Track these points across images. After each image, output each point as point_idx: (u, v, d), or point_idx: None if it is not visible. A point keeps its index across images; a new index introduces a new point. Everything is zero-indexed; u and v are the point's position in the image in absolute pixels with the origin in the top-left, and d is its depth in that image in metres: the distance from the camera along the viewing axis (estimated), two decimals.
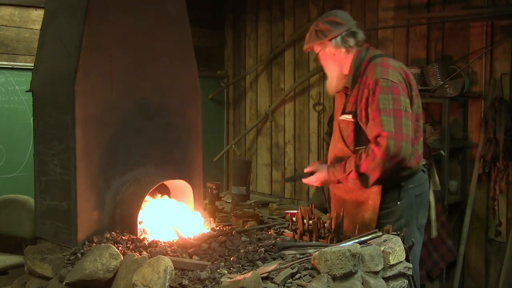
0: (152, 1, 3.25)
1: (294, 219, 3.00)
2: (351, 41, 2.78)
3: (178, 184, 3.25)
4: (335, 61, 2.82)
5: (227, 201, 4.20)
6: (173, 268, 2.36)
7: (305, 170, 2.98)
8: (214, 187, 3.74)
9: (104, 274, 2.54)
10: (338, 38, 2.77)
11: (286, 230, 3.03)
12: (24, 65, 4.77)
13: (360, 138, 2.74)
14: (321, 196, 4.87)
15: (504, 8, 4.00)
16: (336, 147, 2.91)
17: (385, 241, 2.59)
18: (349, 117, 2.77)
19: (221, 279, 2.29)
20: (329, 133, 3.28)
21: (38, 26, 4.60)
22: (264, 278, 2.23)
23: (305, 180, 2.96)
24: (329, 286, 2.26)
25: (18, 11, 4.80)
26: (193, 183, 3.31)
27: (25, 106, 4.78)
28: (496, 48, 4.12)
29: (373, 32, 4.82)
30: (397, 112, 2.61)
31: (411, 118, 2.67)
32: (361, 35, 2.81)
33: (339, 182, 2.82)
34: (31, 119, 3.28)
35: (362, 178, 2.67)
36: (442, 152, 3.27)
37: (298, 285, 2.24)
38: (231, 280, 2.23)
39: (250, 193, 4.55)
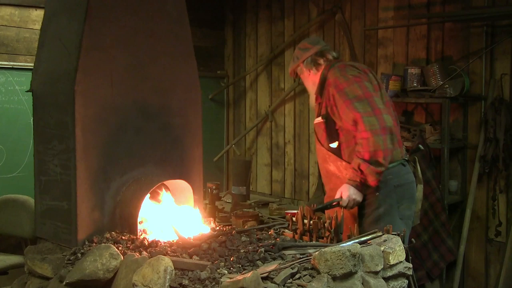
0: (152, 1, 3.25)
1: (294, 219, 3.01)
2: (321, 60, 3.11)
3: (178, 184, 3.25)
4: (310, 79, 3.15)
5: (227, 201, 4.20)
6: (173, 268, 2.36)
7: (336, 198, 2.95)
8: (214, 187, 3.74)
9: (104, 274, 2.54)
10: (309, 59, 3.12)
11: (286, 230, 3.03)
12: (24, 65, 4.77)
13: (331, 135, 3.02)
14: (321, 196, 4.87)
15: (504, 8, 4.00)
16: (317, 149, 3.18)
17: (385, 241, 2.60)
18: (319, 119, 3.07)
19: (221, 279, 2.29)
20: None
21: (38, 26, 4.60)
22: (264, 278, 2.23)
23: (342, 204, 2.90)
24: (329, 286, 2.26)
25: (18, 11, 4.80)
26: (193, 183, 3.31)
27: (25, 106, 4.78)
28: (496, 48, 4.12)
29: (373, 32, 4.82)
30: (366, 94, 2.85)
31: (381, 98, 2.92)
32: (332, 54, 3.14)
33: (365, 185, 2.84)
34: (31, 119, 3.28)
35: (374, 164, 2.77)
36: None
37: (298, 285, 2.24)
38: (231, 280, 2.23)
39: (250, 193, 4.55)
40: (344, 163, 2.97)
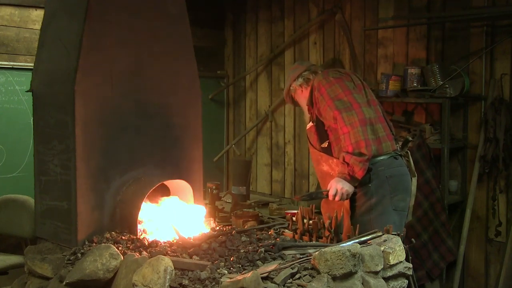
0: (152, 1, 3.25)
1: (294, 218, 3.01)
2: (310, 76, 3.25)
3: (178, 184, 3.25)
4: (303, 96, 3.27)
5: (227, 201, 4.20)
6: (173, 268, 2.36)
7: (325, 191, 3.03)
8: (214, 187, 3.74)
9: (104, 274, 2.54)
10: (299, 77, 3.27)
11: (286, 230, 3.03)
12: (24, 65, 4.77)
13: (321, 136, 3.14)
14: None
15: (504, 8, 4.00)
16: (310, 153, 3.34)
17: (385, 241, 2.60)
18: (310, 124, 3.24)
19: (221, 279, 2.29)
20: None
21: (38, 26, 4.60)
22: (264, 278, 2.23)
23: (330, 195, 2.96)
24: (329, 286, 2.26)
25: (18, 11, 4.80)
26: (193, 183, 3.31)
27: (25, 106, 4.78)
28: (496, 48, 4.12)
29: (373, 32, 4.82)
30: (346, 92, 2.99)
31: (364, 96, 3.05)
32: (317, 69, 3.30)
33: (354, 177, 2.91)
34: (31, 119, 3.28)
35: (357, 154, 2.86)
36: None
37: (298, 285, 2.24)
38: (231, 280, 2.23)
39: (250, 193, 4.56)
40: (335, 160, 3.05)
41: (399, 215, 3.01)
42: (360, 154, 2.85)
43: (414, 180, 3.13)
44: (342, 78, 3.08)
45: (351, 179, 2.90)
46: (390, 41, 4.72)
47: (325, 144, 3.11)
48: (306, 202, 3.51)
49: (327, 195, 2.95)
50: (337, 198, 2.91)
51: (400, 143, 3.20)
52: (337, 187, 2.90)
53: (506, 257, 4.04)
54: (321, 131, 3.13)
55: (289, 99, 3.40)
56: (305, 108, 3.30)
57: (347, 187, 2.90)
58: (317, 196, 3.05)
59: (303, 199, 3.19)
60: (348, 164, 2.88)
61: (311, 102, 3.18)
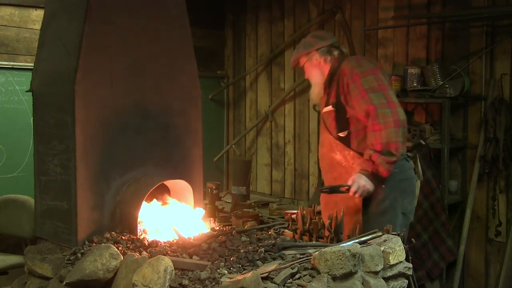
0: (152, 1, 3.25)
1: (294, 217, 3.01)
2: (335, 52, 3.12)
3: (178, 184, 3.25)
4: (320, 69, 3.13)
5: (227, 201, 4.20)
6: (173, 268, 2.36)
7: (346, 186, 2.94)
8: (214, 187, 3.74)
9: (104, 274, 2.54)
10: (324, 48, 3.11)
11: (286, 230, 3.03)
12: (24, 65, 4.77)
13: (340, 124, 3.02)
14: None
15: (504, 8, 3.99)
16: (323, 138, 3.18)
17: (385, 241, 2.60)
18: (329, 107, 3.07)
19: (221, 279, 2.29)
20: None
21: (38, 26, 4.60)
22: (264, 278, 2.23)
23: (351, 191, 2.88)
24: (329, 286, 2.26)
25: (18, 11, 4.80)
26: (193, 183, 3.31)
27: (25, 106, 4.78)
28: (496, 48, 4.12)
29: (373, 32, 4.82)
30: (382, 86, 2.88)
31: (393, 92, 2.95)
32: (343, 49, 3.17)
33: (377, 175, 2.85)
34: (31, 119, 3.28)
35: (386, 154, 2.80)
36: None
37: (298, 285, 2.24)
38: (231, 280, 2.23)
39: (250, 193, 4.56)
40: (352, 152, 2.99)
41: (406, 218, 3.01)
42: (390, 154, 2.79)
43: (418, 183, 3.12)
44: (377, 70, 2.95)
45: (374, 178, 2.85)
46: (390, 41, 4.72)
47: (344, 134, 3.01)
48: (306, 202, 3.52)
49: (348, 190, 2.88)
50: (357, 195, 2.86)
51: (410, 145, 3.18)
52: (360, 183, 2.84)
53: (506, 257, 4.04)
54: (342, 119, 3.02)
55: (297, 64, 3.21)
56: (315, 82, 3.16)
57: (369, 185, 2.85)
58: (338, 190, 2.94)
59: (323, 191, 3.06)
60: (373, 162, 2.81)
61: (329, 83, 3.07)
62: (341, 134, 3.02)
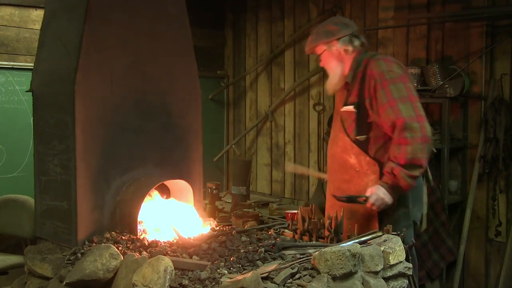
0: (152, 1, 3.25)
1: (293, 215, 3.00)
2: (356, 42, 2.94)
3: (178, 184, 3.25)
4: (339, 60, 2.96)
5: (227, 201, 4.20)
6: (173, 268, 2.36)
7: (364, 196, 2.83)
8: (214, 187, 3.74)
9: (104, 274, 2.54)
10: (346, 38, 2.93)
11: (286, 230, 3.03)
12: (24, 65, 4.77)
13: (360, 128, 2.88)
14: (321, 196, 4.87)
15: (504, 8, 4.00)
16: (338, 137, 3.00)
17: (385, 241, 2.60)
18: (350, 107, 2.91)
19: (221, 279, 2.29)
20: (329, 133, 3.31)
21: (38, 26, 4.60)
22: (264, 278, 2.23)
23: (370, 201, 2.77)
24: (329, 286, 2.26)
25: (18, 11, 4.80)
26: (193, 183, 3.31)
27: (25, 106, 4.78)
28: (496, 48, 4.12)
29: (373, 32, 4.82)
30: (411, 97, 2.76)
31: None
32: (363, 39, 2.99)
33: (397, 189, 2.76)
34: (31, 119, 3.28)
35: (408, 168, 2.69)
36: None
37: (298, 285, 2.24)
38: (231, 280, 2.23)
39: (250, 193, 4.56)
40: (368, 158, 2.87)
41: (415, 226, 2.97)
42: (413, 169, 2.69)
43: (425, 188, 3.05)
44: (406, 77, 2.80)
45: (393, 191, 2.75)
46: (390, 41, 4.72)
47: (362, 138, 2.87)
48: (305, 202, 3.52)
49: (365, 201, 2.77)
50: (374, 207, 2.76)
51: None
52: (378, 196, 2.74)
53: (506, 257, 4.04)
54: (363, 122, 2.87)
55: (313, 50, 3.01)
56: (333, 72, 2.98)
57: (387, 199, 2.75)
58: (355, 200, 2.82)
59: (340, 200, 2.86)
60: (395, 175, 2.71)
61: (351, 78, 2.91)
62: (359, 138, 2.88)
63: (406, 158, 2.68)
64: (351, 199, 2.83)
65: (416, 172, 2.71)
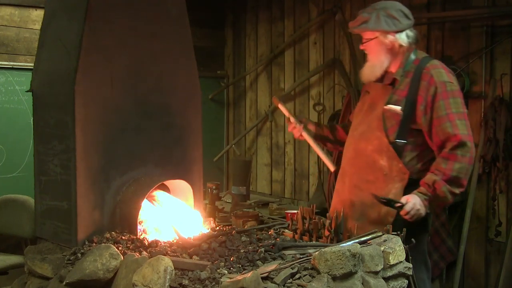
0: (152, 1, 3.25)
1: (293, 215, 3.00)
2: (412, 39, 2.81)
3: (178, 184, 3.25)
4: (390, 52, 2.81)
5: (227, 201, 4.20)
6: (173, 268, 2.36)
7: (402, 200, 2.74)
8: (214, 187, 3.74)
9: (104, 274, 2.54)
10: (404, 32, 2.78)
11: (286, 230, 3.03)
12: (24, 65, 4.77)
13: (402, 132, 2.75)
14: (321, 196, 4.88)
15: (504, 8, 3.99)
16: (373, 135, 2.84)
17: (385, 241, 2.60)
18: (398, 108, 2.77)
19: (221, 279, 2.29)
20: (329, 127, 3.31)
21: (38, 26, 4.60)
22: (264, 278, 2.23)
23: (405, 209, 2.68)
24: (329, 286, 2.26)
25: (18, 11, 4.80)
26: (193, 183, 3.31)
27: (25, 106, 4.78)
28: (496, 48, 4.12)
29: None
30: (465, 115, 2.73)
31: None
32: (418, 37, 2.87)
33: (434, 202, 2.71)
34: (31, 119, 3.28)
35: (450, 184, 2.65)
36: None
37: (298, 285, 2.24)
38: (231, 280, 2.23)
39: (250, 193, 4.56)
40: (400, 165, 2.76)
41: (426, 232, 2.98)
42: (455, 187, 2.64)
43: None
44: (461, 92, 2.75)
45: (428, 203, 2.68)
46: None
47: (401, 143, 2.76)
48: (306, 202, 3.51)
49: (401, 208, 2.67)
50: (408, 217, 2.67)
51: None
52: (415, 206, 2.65)
53: (506, 257, 4.04)
54: (406, 127, 2.75)
55: (362, 32, 2.83)
56: (375, 62, 2.83)
57: (422, 210, 2.67)
58: (392, 205, 2.71)
59: (380, 201, 2.72)
60: (435, 189, 2.65)
61: (401, 76, 2.79)
62: (398, 142, 2.76)
63: (451, 174, 2.63)
64: (389, 203, 2.70)
65: (457, 190, 2.66)
